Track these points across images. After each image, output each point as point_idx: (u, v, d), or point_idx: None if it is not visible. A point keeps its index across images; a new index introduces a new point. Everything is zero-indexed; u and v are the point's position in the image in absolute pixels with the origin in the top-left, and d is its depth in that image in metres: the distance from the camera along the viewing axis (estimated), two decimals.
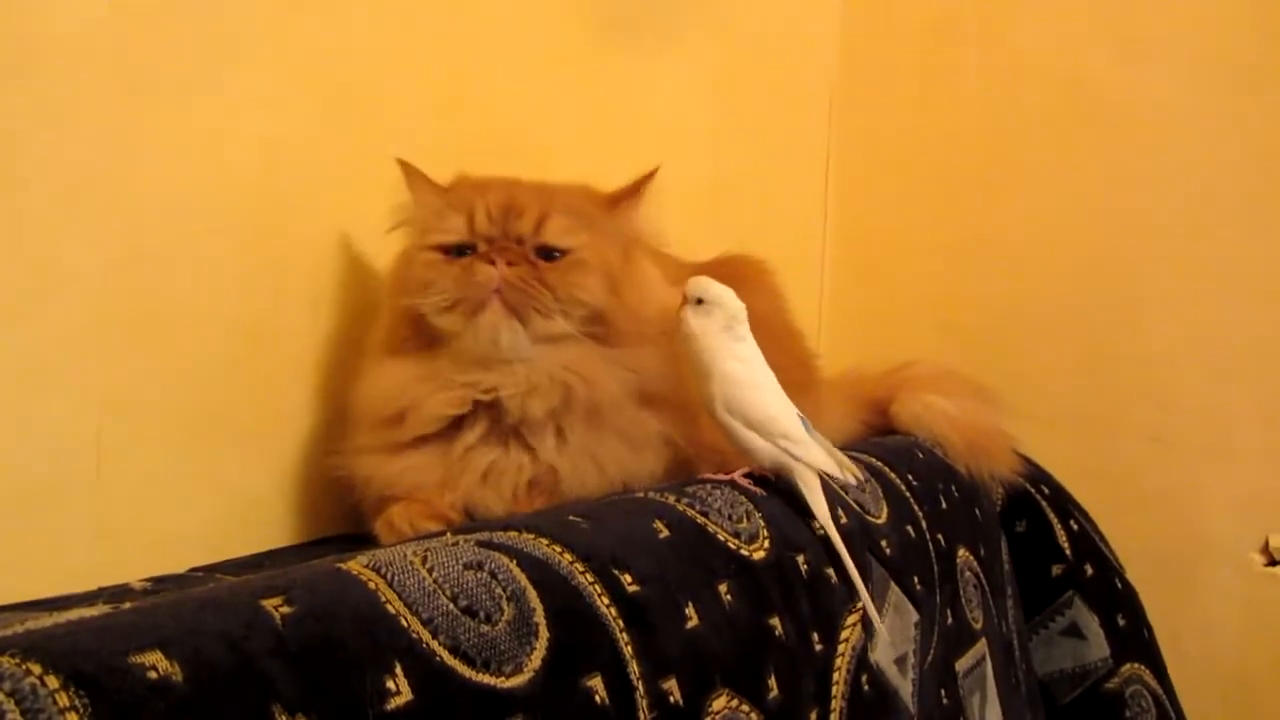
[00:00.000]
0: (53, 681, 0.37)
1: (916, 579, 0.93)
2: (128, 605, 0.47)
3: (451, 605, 0.52)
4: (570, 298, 0.79)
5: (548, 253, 0.80)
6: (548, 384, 0.78)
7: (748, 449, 0.77)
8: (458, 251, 0.80)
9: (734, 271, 1.05)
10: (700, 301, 0.77)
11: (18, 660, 0.37)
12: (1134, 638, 1.23)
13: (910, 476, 1.02)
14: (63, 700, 0.37)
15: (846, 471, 0.79)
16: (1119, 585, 1.25)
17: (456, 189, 0.84)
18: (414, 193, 0.84)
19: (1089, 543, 1.25)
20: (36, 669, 0.37)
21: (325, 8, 0.87)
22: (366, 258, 0.91)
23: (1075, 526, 1.25)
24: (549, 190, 0.84)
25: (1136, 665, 1.22)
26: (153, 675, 0.39)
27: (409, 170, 0.84)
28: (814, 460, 0.76)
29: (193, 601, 0.45)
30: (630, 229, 0.86)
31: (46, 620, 0.46)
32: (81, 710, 0.37)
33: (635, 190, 0.85)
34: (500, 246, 0.79)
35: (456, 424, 0.80)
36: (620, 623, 0.59)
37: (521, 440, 0.79)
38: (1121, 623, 1.22)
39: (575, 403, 0.79)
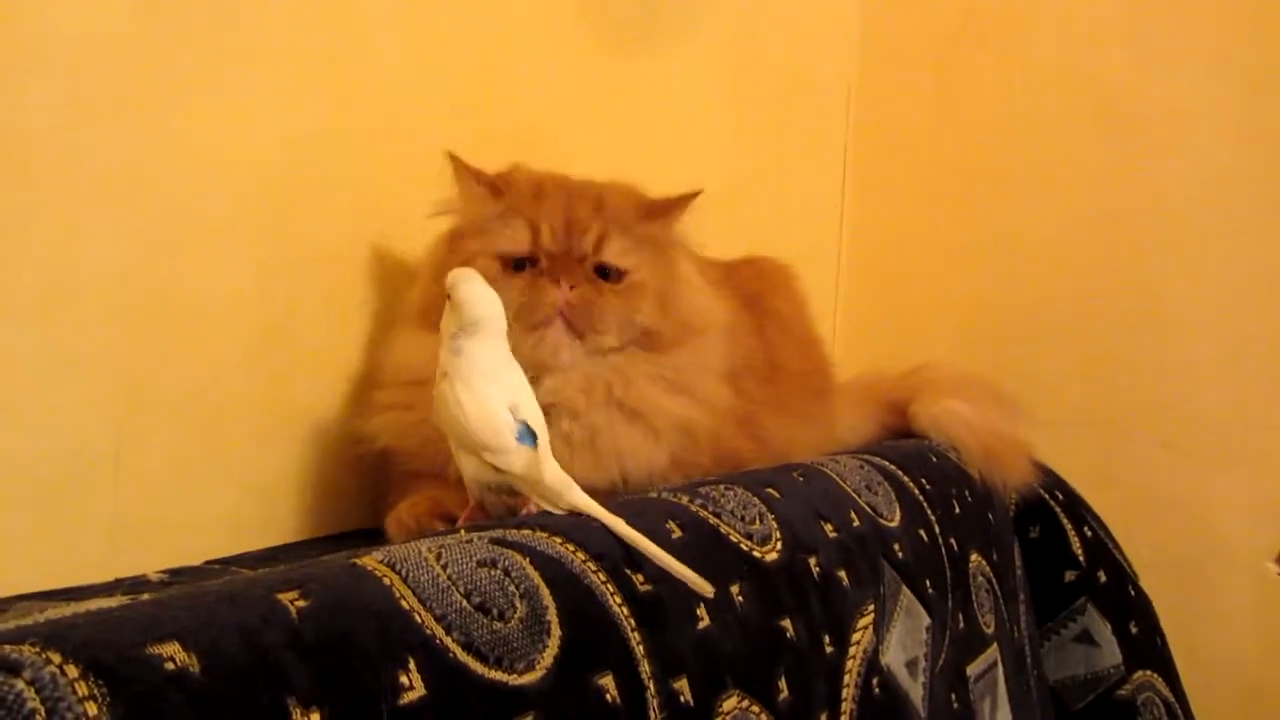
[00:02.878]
0: (72, 670, 0.38)
1: (928, 583, 0.92)
2: (146, 596, 0.48)
3: (465, 602, 0.52)
4: (628, 320, 0.83)
5: (605, 271, 0.83)
6: (591, 386, 0.82)
7: (461, 473, 0.68)
8: (518, 263, 0.82)
9: (759, 274, 1.05)
10: (448, 297, 0.68)
11: (38, 649, 0.38)
12: (1147, 645, 1.23)
13: (924, 481, 1.01)
14: (82, 689, 0.37)
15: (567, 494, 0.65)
16: (1132, 592, 1.24)
17: (512, 190, 0.85)
18: (461, 184, 0.85)
19: (1103, 549, 1.25)
20: (56, 658, 0.38)
21: (345, 7, 0.88)
22: (383, 253, 0.92)
23: (1089, 533, 1.25)
24: (604, 201, 0.86)
25: (1149, 673, 1.21)
26: (170, 666, 0.40)
27: (458, 164, 0.85)
28: (514, 468, 0.65)
29: (210, 594, 0.45)
30: (673, 237, 0.88)
31: (65, 610, 0.47)
32: (100, 699, 0.38)
33: (680, 204, 0.87)
34: (563, 265, 0.82)
35: None
36: (632, 622, 0.59)
37: None
38: (1134, 630, 1.22)
39: (607, 399, 0.82)
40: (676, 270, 0.88)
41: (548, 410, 0.76)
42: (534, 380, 0.75)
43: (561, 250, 0.82)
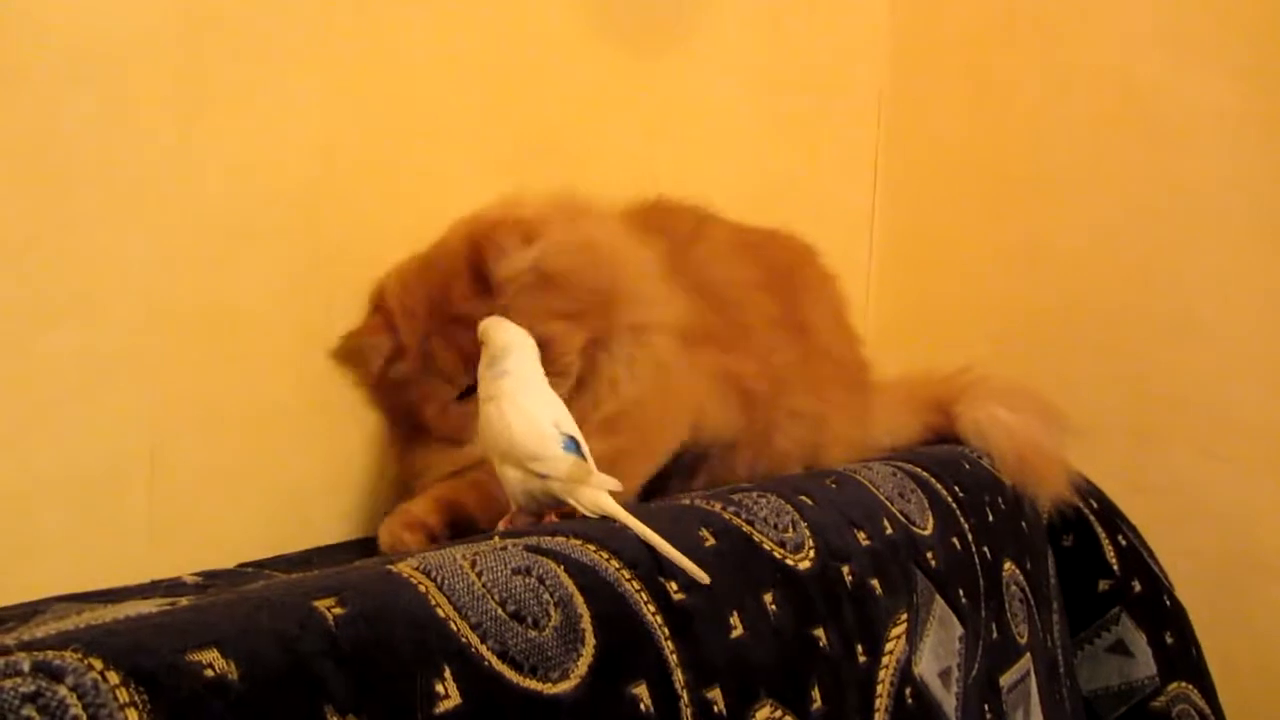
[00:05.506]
0: (113, 677, 0.38)
1: (962, 592, 0.92)
2: (184, 600, 0.48)
3: (500, 610, 0.52)
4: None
5: None
6: None
7: (503, 485, 0.71)
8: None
9: (779, 255, 1.05)
10: (483, 344, 0.76)
11: (80, 655, 0.38)
12: (1182, 656, 1.21)
13: (957, 488, 1.00)
14: (123, 696, 0.38)
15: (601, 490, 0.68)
16: (1167, 602, 1.23)
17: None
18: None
19: (1137, 559, 1.23)
20: (98, 665, 0.38)
21: (380, 18, 0.88)
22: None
23: (1124, 542, 1.23)
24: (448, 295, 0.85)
25: (1184, 684, 1.19)
26: (209, 673, 0.40)
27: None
28: (559, 472, 0.68)
29: (248, 601, 0.46)
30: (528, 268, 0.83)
31: (104, 612, 0.47)
32: (140, 706, 0.38)
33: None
34: None
35: None
36: (666, 630, 0.59)
37: None
38: (1169, 640, 1.20)
39: None
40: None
41: None
42: None
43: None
